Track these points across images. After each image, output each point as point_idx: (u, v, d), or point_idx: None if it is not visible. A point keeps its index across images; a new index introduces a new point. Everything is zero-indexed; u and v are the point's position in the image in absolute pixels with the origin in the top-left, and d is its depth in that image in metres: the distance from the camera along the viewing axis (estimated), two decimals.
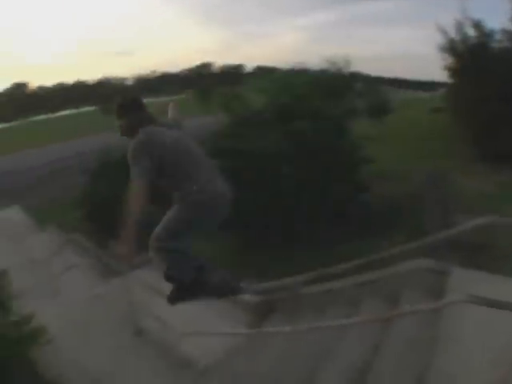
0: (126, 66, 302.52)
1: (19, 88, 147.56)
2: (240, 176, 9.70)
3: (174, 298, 4.08)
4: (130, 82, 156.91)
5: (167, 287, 3.99)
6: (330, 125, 10.63)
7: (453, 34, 15.25)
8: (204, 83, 71.92)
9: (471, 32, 15.00)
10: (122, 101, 3.89)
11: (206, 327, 7.28)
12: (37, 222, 18.54)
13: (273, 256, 9.18)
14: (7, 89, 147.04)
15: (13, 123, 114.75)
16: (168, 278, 3.87)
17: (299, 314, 6.88)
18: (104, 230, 9.00)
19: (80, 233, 14.37)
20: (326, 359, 5.47)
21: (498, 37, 14.94)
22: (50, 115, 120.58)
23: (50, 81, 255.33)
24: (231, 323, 7.36)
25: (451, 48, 15.37)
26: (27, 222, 18.52)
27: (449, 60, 15.84)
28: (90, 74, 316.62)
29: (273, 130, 10.00)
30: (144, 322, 7.95)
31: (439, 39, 15.66)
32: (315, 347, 5.87)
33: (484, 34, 14.94)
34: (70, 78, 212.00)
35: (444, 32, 15.37)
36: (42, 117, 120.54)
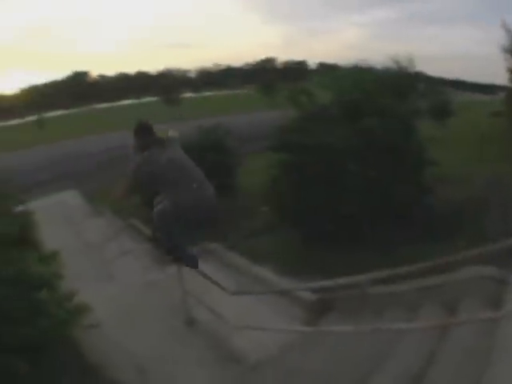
0: (188, 59, 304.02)
1: (80, 76, 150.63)
2: (306, 171, 9.52)
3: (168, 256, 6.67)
4: (192, 75, 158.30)
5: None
6: (397, 124, 10.31)
7: None
8: (267, 78, 71.64)
9: None
10: (136, 127, 5.93)
11: (260, 322, 7.09)
12: (94, 206, 18.88)
13: (334, 254, 8.96)
14: (68, 77, 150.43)
15: (72, 110, 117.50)
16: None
17: (356, 314, 6.58)
18: None
19: (137, 219, 14.43)
20: (381, 362, 5.25)
21: None
22: (112, 104, 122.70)
23: (109, 70, 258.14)
24: (286, 319, 7.19)
25: None
26: (84, 207, 18.87)
27: None
28: (152, 65, 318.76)
29: (339, 126, 9.75)
30: (196, 312, 7.73)
31: (502, 40, 14.89)
32: (371, 349, 5.64)
33: None
34: (130, 69, 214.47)
35: (509, 32, 14.59)
36: (104, 105, 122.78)
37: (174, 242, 6.28)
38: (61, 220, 16.80)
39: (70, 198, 19.81)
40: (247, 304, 7.81)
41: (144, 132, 5.86)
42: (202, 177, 5.88)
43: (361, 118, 9.93)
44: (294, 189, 10.04)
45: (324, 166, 9.58)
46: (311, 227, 9.77)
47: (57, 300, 4.23)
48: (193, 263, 6.58)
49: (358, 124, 9.86)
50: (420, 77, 32.03)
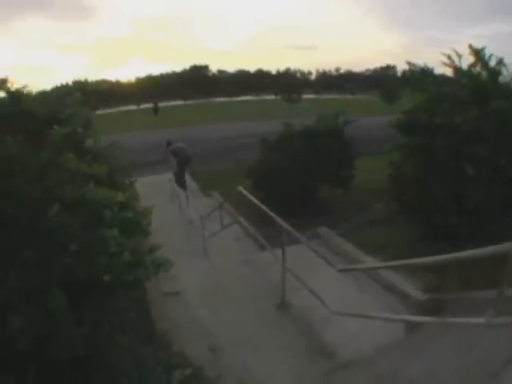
0: (308, 61, 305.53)
1: (199, 70, 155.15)
2: (432, 154, 8.76)
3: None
4: (312, 77, 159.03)
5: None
6: None
7: None
8: (388, 85, 70.47)
9: None
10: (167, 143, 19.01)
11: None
12: (202, 187, 19.30)
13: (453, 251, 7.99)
14: (186, 70, 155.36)
15: (190, 101, 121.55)
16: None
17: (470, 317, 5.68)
18: (269, 201, 8.49)
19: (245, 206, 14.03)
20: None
21: None
22: (230, 99, 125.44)
23: (229, 66, 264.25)
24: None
25: None
26: (193, 187, 18.99)
27: None
28: (271, 64, 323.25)
29: (468, 109, 8.86)
30: (292, 296, 7.29)
31: None
32: (483, 363, 4.65)
33: None
34: (250, 67, 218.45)
35: None
36: (221, 99, 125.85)
37: (180, 178, 17.42)
38: (167, 196, 17.17)
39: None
40: (350, 294, 7.33)
41: (168, 144, 18.62)
42: (187, 149, 18.24)
43: (488, 102, 8.90)
44: (417, 175, 9.21)
45: (451, 149, 8.64)
46: (431, 220, 8.84)
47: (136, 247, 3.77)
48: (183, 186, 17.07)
49: (486, 107, 8.86)
50: None
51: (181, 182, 17.52)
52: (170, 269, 4.07)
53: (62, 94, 3.77)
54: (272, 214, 7.85)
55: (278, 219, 7.52)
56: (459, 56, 9.53)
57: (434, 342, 5.58)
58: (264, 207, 8.42)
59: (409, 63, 10.10)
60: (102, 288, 3.53)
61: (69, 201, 3.25)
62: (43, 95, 3.65)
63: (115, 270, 3.47)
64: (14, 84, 3.50)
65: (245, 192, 10.44)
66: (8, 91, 3.44)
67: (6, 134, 3.30)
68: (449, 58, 9.51)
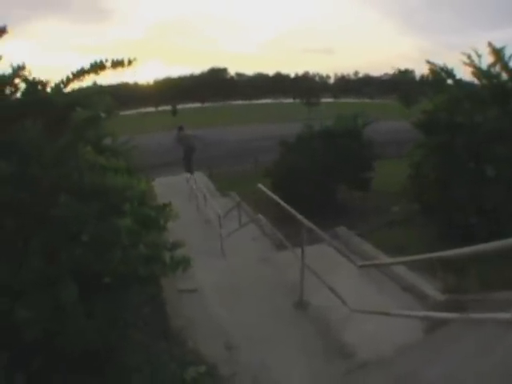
0: (324, 65, 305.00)
1: (218, 73, 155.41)
2: (453, 153, 8.69)
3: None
4: (331, 81, 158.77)
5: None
6: None
7: None
8: (406, 89, 70.06)
9: None
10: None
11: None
12: (219, 187, 19.41)
13: None
14: (205, 72, 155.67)
15: (208, 104, 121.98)
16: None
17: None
18: (287, 201, 8.44)
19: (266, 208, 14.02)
20: None
21: None
22: (249, 102, 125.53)
23: (248, 70, 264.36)
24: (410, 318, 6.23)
25: None
26: (209, 187, 19.09)
27: None
28: (288, 68, 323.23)
29: (488, 109, 8.82)
30: (310, 295, 7.20)
31: None
32: (506, 362, 4.51)
33: None
34: (269, 70, 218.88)
35: None
36: (240, 102, 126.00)
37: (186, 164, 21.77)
38: (184, 196, 17.13)
39: (197, 179, 20.07)
40: (368, 295, 7.20)
41: (179, 128, 23.76)
42: (191, 139, 23.06)
43: (509, 101, 8.84)
44: (436, 175, 9.15)
45: (472, 148, 8.56)
46: (450, 220, 8.73)
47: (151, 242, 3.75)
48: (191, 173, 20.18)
49: (506, 106, 8.78)
50: None
51: (186, 168, 21.58)
52: (189, 268, 4.02)
53: (88, 92, 3.72)
54: (292, 210, 7.80)
55: (298, 215, 7.46)
56: (479, 56, 9.47)
57: (454, 342, 5.50)
58: (283, 203, 8.38)
59: (429, 62, 10.04)
60: (116, 282, 3.48)
61: (88, 188, 3.21)
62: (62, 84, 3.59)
63: (130, 264, 3.42)
64: (32, 73, 3.45)
65: (264, 189, 10.41)
66: (26, 79, 3.39)
67: (25, 119, 3.28)
68: (468, 57, 9.44)
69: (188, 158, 22.23)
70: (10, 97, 3.39)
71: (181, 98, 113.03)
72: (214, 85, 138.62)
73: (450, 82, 9.94)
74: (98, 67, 3.45)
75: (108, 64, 3.45)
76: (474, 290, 6.52)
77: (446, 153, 9.03)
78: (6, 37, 3.39)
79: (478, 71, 9.49)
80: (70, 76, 3.49)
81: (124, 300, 3.76)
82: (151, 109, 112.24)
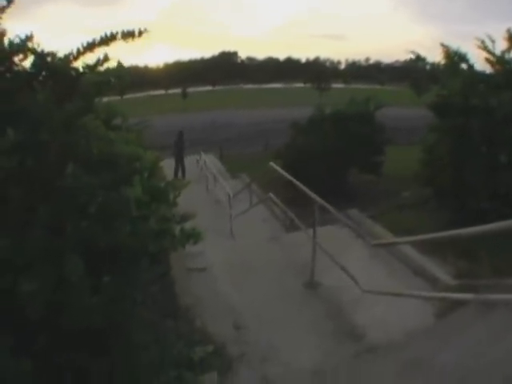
0: (336, 50, 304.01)
1: (228, 56, 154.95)
2: (467, 137, 8.61)
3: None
4: (342, 66, 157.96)
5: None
6: None
7: None
8: (418, 77, 69.65)
9: None
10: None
11: (392, 298, 6.18)
12: (230, 169, 19.75)
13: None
14: (215, 56, 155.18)
15: (219, 87, 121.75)
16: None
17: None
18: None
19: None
20: None
21: None
22: (259, 86, 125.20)
23: (259, 54, 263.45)
24: (419, 301, 6.19)
25: None
26: (220, 169, 19.29)
27: None
28: (299, 53, 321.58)
29: (503, 93, 8.77)
30: (321, 276, 7.15)
31: None
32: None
33: None
34: (278, 54, 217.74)
35: None
36: (250, 86, 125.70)
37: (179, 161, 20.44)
38: (193, 177, 17.12)
39: (207, 160, 20.15)
40: (379, 278, 7.10)
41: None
42: (179, 135, 21.30)
43: None
44: (449, 158, 9.09)
45: (486, 132, 8.49)
46: (463, 204, 8.64)
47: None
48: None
49: None
50: None
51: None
52: (199, 241, 3.93)
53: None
54: (304, 187, 7.74)
55: (310, 193, 7.40)
56: (493, 41, 9.37)
57: (466, 328, 5.39)
58: (295, 181, 8.33)
59: (443, 45, 9.91)
60: (125, 257, 3.42)
61: (96, 157, 3.15)
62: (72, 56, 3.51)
63: (139, 238, 3.36)
64: (40, 45, 3.37)
65: (276, 167, 10.36)
66: (34, 50, 3.31)
67: (34, 88, 3.21)
68: (482, 42, 9.34)
69: (176, 153, 20.56)
70: (18, 66, 3.32)
71: (191, 81, 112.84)
72: (225, 68, 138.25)
73: (463, 66, 9.84)
74: (108, 39, 3.35)
75: (119, 36, 3.36)
76: (486, 276, 6.44)
77: (459, 136, 8.97)
78: (16, 19, 3.34)
79: (492, 56, 9.41)
80: (81, 48, 3.40)
81: (133, 276, 3.68)
82: (161, 92, 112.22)
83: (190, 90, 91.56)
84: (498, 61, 9.35)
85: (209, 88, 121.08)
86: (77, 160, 3.10)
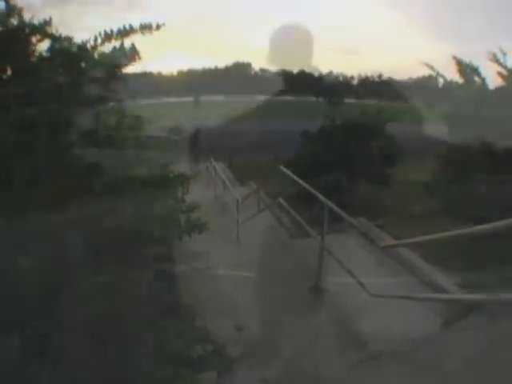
0: (349, 65, 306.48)
1: (242, 67, 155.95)
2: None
3: None
4: (354, 81, 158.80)
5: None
6: None
7: None
8: (427, 95, 70.08)
9: None
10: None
11: (394, 307, 6.13)
12: (238, 177, 19.90)
13: (497, 248, 7.72)
14: (229, 66, 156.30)
15: (231, 97, 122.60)
16: None
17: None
18: (307, 192, 8.44)
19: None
20: None
21: None
22: (272, 98, 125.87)
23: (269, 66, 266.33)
24: (423, 309, 6.17)
25: None
26: (229, 176, 19.25)
27: None
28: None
29: None
30: (328, 282, 7.12)
31: None
32: None
33: None
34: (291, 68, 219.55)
35: None
36: (263, 97, 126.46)
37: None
38: (202, 182, 17.11)
39: (217, 167, 20.36)
40: (386, 284, 7.02)
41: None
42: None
43: None
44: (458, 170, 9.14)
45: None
46: (472, 216, 8.60)
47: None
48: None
49: None
50: None
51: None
52: (205, 230, 3.90)
53: None
54: (314, 190, 7.77)
55: (319, 195, 7.40)
56: (504, 54, 9.39)
57: (472, 335, 5.38)
58: (305, 184, 8.38)
59: (455, 58, 9.96)
60: (129, 242, 3.39)
61: (103, 136, 3.17)
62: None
63: (144, 223, 3.34)
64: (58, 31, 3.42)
65: (286, 171, 10.40)
66: (52, 34, 3.34)
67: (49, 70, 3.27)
68: (494, 55, 9.37)
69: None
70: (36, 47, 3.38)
71: (204, 90, 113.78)
72: (238, 79, 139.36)
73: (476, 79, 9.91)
74: (126, 31, 3.43)
75: (136, 28, 3.46)
76: (495, 287, 6.37)
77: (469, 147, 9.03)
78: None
79: (504, 69, 9.44)
80: (98, 38, 3.45)
81: (136, 263, 3.66)
82: (174, 99, 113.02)
83: (203, 98, 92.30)
84: (510, 73, 9.41)
85: (221, 97, 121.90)
86: (83, 136, 3.10)
